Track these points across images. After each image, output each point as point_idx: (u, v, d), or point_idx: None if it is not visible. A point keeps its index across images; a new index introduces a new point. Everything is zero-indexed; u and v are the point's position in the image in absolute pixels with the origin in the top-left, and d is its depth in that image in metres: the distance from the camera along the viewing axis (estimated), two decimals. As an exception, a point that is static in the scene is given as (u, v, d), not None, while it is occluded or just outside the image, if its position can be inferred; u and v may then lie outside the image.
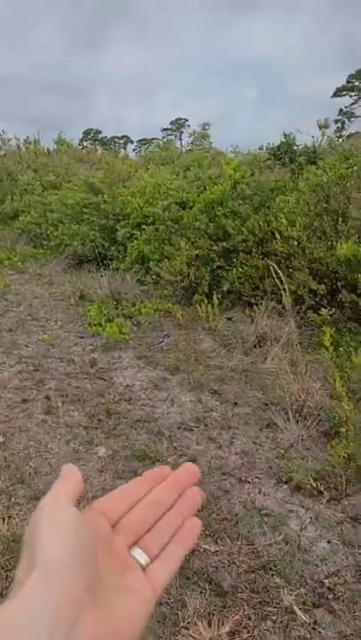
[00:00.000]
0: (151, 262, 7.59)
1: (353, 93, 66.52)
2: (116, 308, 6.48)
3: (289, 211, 5.82)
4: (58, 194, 10.52)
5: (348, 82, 65.77)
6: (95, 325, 6.00)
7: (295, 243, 5.56)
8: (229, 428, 3.82)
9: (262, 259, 6.46)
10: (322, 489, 3.02)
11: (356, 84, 65.58)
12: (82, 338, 5.88)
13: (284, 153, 6.76)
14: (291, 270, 6.04)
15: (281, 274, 4.96)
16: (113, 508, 0.48)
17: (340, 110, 62.82)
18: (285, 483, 3.16)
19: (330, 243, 5.37)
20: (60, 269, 8.85)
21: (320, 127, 7.05)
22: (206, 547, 2.66)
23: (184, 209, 7.84)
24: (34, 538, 0.40)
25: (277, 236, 5.79)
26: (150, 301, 6.65)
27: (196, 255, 6.77)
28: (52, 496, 0.44)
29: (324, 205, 5.86)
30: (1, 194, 12.18)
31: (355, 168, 5.48)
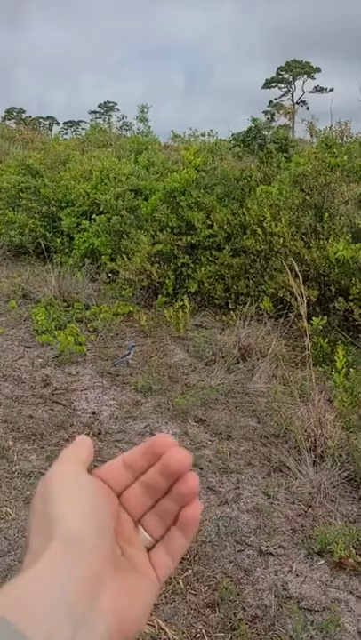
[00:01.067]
0: (103, 257, 6.72)
1: (282, 85, 67.20)
2: (67, 311, 5.58)
3: (272, 203, 5.14)
4: (-11, 176, 9.33)
5: (277, 74, 66.37)
6: (44, 333, 5.09)
7: (279, 240, 4.89)
8: (230, 473, 3.10)
9: (233, 256, 5.77)
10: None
11: (286, 76, 66.30)
12: (29, 348, 4.96)
13: (253, 139, 6.10)
14: (269, 271, 5.39)
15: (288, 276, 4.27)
16: (116, 478, 0.44)
17: (270, 102, 63.31)
18: (319, 554, 2.48)
19: (319, 241, 4.75)
20: (-5, 262, 7.77)
21: (286, 112, 6.41)
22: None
23: (140, 197, 7.01)
24: (47, 503, 0.38)
25: (259, 231, 5.11)
26: (107, 303, 5.80)
27: (159, 251, 5.97)
28: (64, 462, 0.41)
29: (306, 198, 5.24)
30: None
31: (344, 157, 4.87)
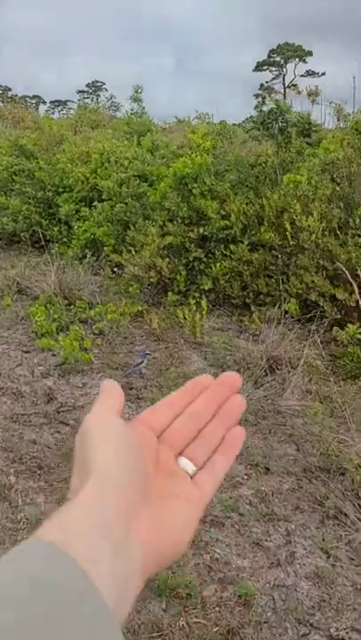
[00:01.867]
0: (106, 248, 6.15)
1: (274, 68, 66.08)
2: (69, 310, 5.03)
3: (302, 194, 4.60)
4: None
5: (269, 56, 65.19)
6: (44, 336, 4.54)
7: (311, 236, 4.37)
8: (277, 521, 2.61)
9: (251, 251, 5.25)
10: None
11: (278, 59, 65.18)
12: (27, 353, 4.42)
13: (275, 121, 5.56)
14: (292, 269, 4.88)
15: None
16: (157, 420, 0.47)
17: (261, 85, 62.20)
18: None
19: (355, 238, 4.24)
20: (-14, 251, 7.16)
21: (309, 94, 5.85)
22: None
23: (145, 184, 6.43)
24: (85, 449, 0.40)
25: (286, 225, 4.57)
26: (112, 301, 5.26)
27: (169, 244, 5.43)
28: (97, 410, 0.44)
29: (336, 189, 4.72)
30: None
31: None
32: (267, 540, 2.49)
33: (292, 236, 4.57)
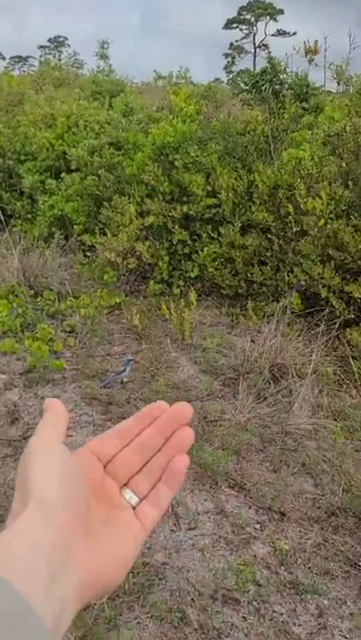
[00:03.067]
0: (76, 227, 5.45)
1: (244, 27, 64.03)
2: (35, 302, 4.37)
3: (307, 173, 3.98)
4: None
5: (239, 14, 63.06)
6: (6, 336, 3.89)
7: (318, 221, 3.78)
8: (304, 593, 2.10)
9: (242, 234, 4.64)
10: None
11: (248, 17, 63.10)
12: (-13, 357, 3.76)
13: (269, 83, 4.90)
14: (291, 256, 4.31)
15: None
16: (105, 449, 0.47)
17: (231, 44, 60.26)
18: None
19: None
20: None
21: (306, 52, 5.17)
22: None
23: (119, 153, 5.70)
24: (26, 476, 0.40)
25: (289, 208, 3.97)
26: (85, 291, 4.61)
27: (149, 225, 4.77)
28: (40, 435, 0.43)
29: (342, 165, 4.12)
30: None
31: None
32: (295, 624, 1.98)
33: (295, 221, 3.97)
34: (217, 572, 2.11)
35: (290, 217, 3.99)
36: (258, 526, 2.43)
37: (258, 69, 5.11)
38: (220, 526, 2.39)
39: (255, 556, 2.25)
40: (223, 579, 2.11)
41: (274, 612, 2.02)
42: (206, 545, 2.24)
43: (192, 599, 1.99)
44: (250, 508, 2.53)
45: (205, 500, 2.55)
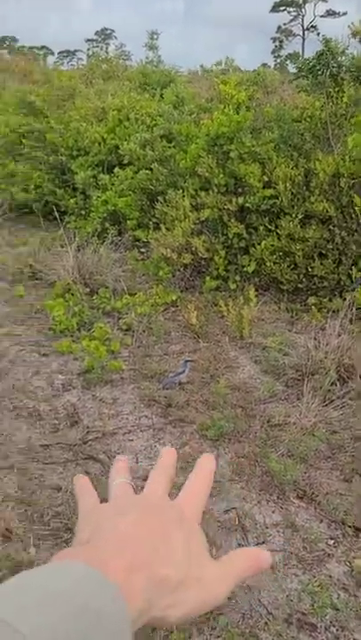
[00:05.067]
0: (129, 222, 5.39)
1: (292, 9, 62.38)
2: (91, 300, 4.33)
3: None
4: (-17, 116, 7.82)
5: (287, -4, 61.49)
6: (63, 335, 3.87)
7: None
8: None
9: (302, 226, 4.44)
10: None
11: (296, -2, 61.45)
12: (45, 357, 3.75)
13: (325, 67, 4.66)
14: (355, 248, 4.09)
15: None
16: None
17: (279, 28, 58.74)
18: None
19: None
20: (-6, 225, 6.42)
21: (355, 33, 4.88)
22: None
23: (171, 145, 5.58)
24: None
25: (356, 200, 3.76)
26: (140, 287, 4.54)
27: (205, 219, 4.64)
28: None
29: None
30: None
31: None
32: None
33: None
34: (290, 593, 1.99)
35: (353, 207, 3.77)
36: (331, 542, 2.29)
37: (309, 53, 4.86)
38: (290, 542, 2.26)
39: (330, 577, 2.11)
40: (298, 601, 1.99)
41: (354, 639, 1.88)
42: (277, 562, 2.12)
43: (265, 623, 1.87)
44: (321, 521, 2.39)
45: (273, 512, 2.43)
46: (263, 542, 2.25)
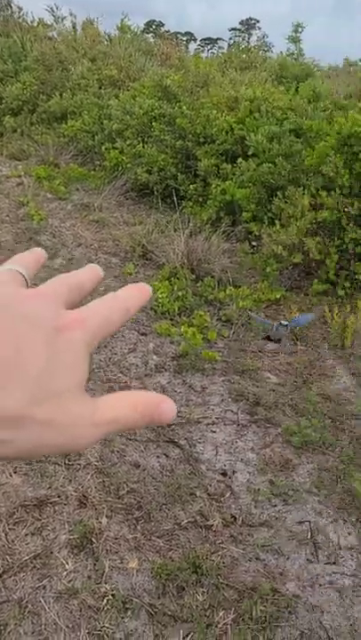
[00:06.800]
0: (245, 214, 5.34)
1: None
2: (196, 287, 4.36)
3: None
4: (119, 96, 8.07)
5: None
6: (163, 317, 3.93)
7: None
8: None
9: None
10: None
11: None
12: (143, 336, 3.84)
13: None
14: None
15: None
16: None
17: None
18: None
19: None
20: (115, 202, 6.63)
21: None
22: None
23: (299, 141, 5.43)
24: None
25: None
26: (246, 281, 4.50)
27: (322, 220, 4.49)
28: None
29: None
30: (49, 87, 9.71)
31: None
32: None
33: None
34: (355, 621, 1.90)
35: None
36: None
37: None
38: (362, 569, 2.16)
39: None
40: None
41: None
42: (346, 586, 2.03)
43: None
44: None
45: (350, 534, 2.33)
46: (334, 563, 2.17)
